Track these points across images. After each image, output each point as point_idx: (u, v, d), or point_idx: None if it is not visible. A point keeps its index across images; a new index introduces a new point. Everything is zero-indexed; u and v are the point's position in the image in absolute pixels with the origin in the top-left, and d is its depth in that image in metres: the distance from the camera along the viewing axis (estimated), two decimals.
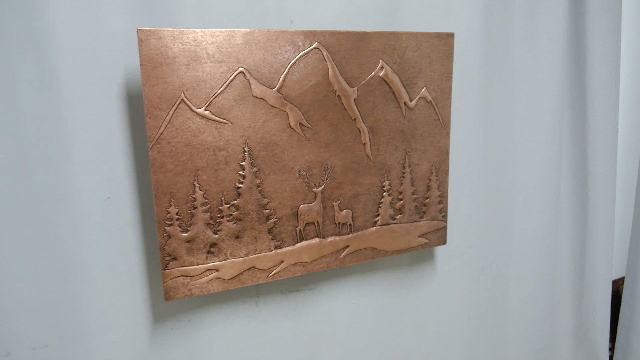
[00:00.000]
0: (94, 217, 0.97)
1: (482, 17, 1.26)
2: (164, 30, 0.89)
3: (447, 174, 1.22)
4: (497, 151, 1.36)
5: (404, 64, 1.11)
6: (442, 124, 1.19)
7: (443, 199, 1.24)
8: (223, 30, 0.93)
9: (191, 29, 0.91)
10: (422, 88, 1.15)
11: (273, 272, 1.06)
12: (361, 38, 1.05)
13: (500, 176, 1.38)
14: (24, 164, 0.90)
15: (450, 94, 1.18)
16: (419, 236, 1.23)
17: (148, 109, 0.90)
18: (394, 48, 1.09)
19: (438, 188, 1.22)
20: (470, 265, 1.41)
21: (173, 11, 0.97)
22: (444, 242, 1.27)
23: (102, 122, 0.95)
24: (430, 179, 1.21)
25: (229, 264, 1.02)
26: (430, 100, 1.16)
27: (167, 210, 0.95)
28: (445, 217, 1.25)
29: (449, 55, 1.16)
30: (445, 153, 1.21)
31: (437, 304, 1.38)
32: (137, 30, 0.87)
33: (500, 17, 1.29)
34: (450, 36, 1.15)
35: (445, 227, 1.26)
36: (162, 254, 0.95)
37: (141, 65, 0.88)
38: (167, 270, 0.96)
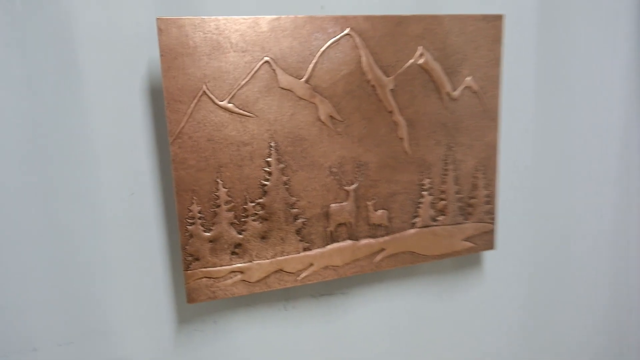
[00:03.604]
0: (118, 213, 0.94)
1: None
2: (184, 19, 0.84)
3: (495, 171, 1.11)
4: (553, 146, 1.23)
5: (446, 50, 1.01)
6: (490, 116, 1.07)
7: (491, 199, 1.12)
8: (247, 17, 0.87)
9: (213, 17, 0.85)
10: (467, 76, 1.04)
11: (302, 276, 1.00)
12: (398, 23, 0.96)
13: (557, 174, 1.25)
14: (47, 158, 0.89)
15: (498, 82, 1.07)
16: (464, 239, 1.12)
17: (168, 102, 0.85)
18: (434, 33, 0.99)
19: (485, 187, 1.11)
20: (522, 270, 1.28)
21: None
22: (492, 247, 1.15)
23: (125, 116, 0.92)
24: (476, 177, 1.10)
25: (254, 266, 0.96)
26: (476, 90, 1.05)
27: (189, 209, 0.90)
28: (493, 219, 1.13)
29: (497, 40, 1.04)
30: (493, 148, 1.10)
31: (484, 312, 1.27)
32: (157, 19, 0.82)
33: None
34: (498, 18, 1.03)
35: (493, 230, 1.14)
36: (184, 254, 0.91)
37: (161, 56, 0.84)
38: (189, 271, 0.92)
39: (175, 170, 0.88)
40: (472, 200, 1.10)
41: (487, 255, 1.24)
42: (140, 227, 0.96)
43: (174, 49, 0.84)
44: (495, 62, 1.05)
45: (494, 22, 1.03)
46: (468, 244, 1.12)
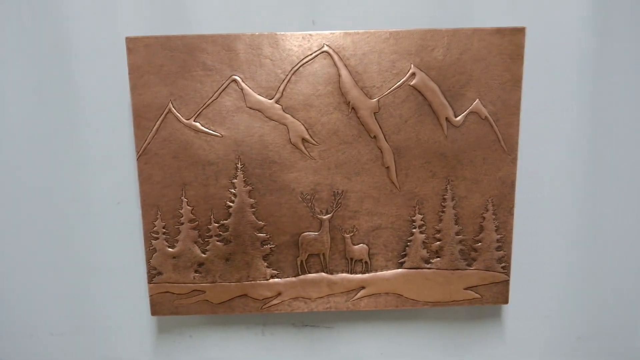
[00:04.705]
0: (106, 220, 1.00)
1: (581, 5, 0.92)
2: (151, 37, 0.85)
3: (511, 212, 0.93)
4: (589, 184, 0.98)
5: (445, 69, 0.87)
6: (505, 148, 0.90)
7: (504, 245, 0.94)
8: (215, 34, 0.85)
9: (180, 35, 0.85)
10: (474, 100, 0.89)
11: (269, 304, 0.95)
12: (385, 39, 0.86)
13: (598, 218, 1.00)
14: (45, 165, 0.97)
15: (518, 108, 0.89)
16: (466, 288, 0.96)
17: (135, 118, 0.87)
18: (431, 49, 0.86)
19: (497, 230, 0.94)
20: (557, 333, 1.06)
21: (187, 16, 0.93)
22: (505, 301, 0.97)
23: (115, 127, 0.96)
24: (484, 218, 0.93)
25: (217, 288, 0.94)
26: (485, 116, 0.89)
27: (153, 223, 0.91)
28: (507, 268, 0.95)
29: (516, 57, 0.87)
30: (510, 185, 0.92)
31: None
32: (126, 38, 0.85)
33: (603, 3, 0.92)
34: (518, 32, 0.86)
35: (507, 282, 0.96)
36: (148, 267, 0.93)
37: (129, 74, 0.86)
38: (152, 284, 0.93)
39: (141, 184, 0.90)
40: (478, 245, 0.94)
41: (509, 308, 1.05)
42: (126, 235, 1.00)
43: (141, 67, 0.86)
44: (513, 83, 0.88)
45: (512, 37, 0.86)
46: (471, 294, 0.96)
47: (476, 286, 0.96)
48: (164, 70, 0.86)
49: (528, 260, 1.01)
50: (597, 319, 1.05)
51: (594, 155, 0.97)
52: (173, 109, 0.87)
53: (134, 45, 0.85)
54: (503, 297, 0.97)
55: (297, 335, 1.05)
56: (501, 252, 0.95)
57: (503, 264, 0.95)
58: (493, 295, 0.96)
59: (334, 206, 0.92)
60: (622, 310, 1.05)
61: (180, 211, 0.91)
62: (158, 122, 0.88)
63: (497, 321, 1.06)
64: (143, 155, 0.89)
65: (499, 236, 0.94)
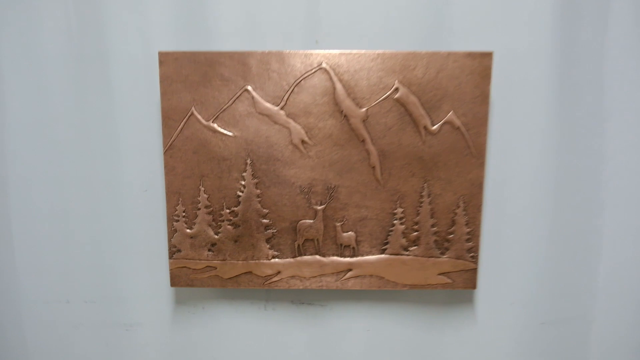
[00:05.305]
0: (135, 204, 1.17)
1: (544, 32, 1.07)
2: (179, 52, 1.03)
3: (479, 209, 1.08)
4: (550, 184, 1.13)
5: (424, 85, 1.03)
6: (475, 153, 1.06)
7: (473, 237, 1.09)
8: (232, 51, 1.03)
9: (203, 50, 1.03)
10: (449, 112, 1.04)
11: (270, 281, 1.11)
12: (373, 58, 1.02)
13: (557, 215, 1.15)
14: (82, 155, 1.15)
15: (486, 119, 1.04)
16: (440, 274, 1.11)
17: (163, 119, 1.05)
18: (412, 69, 1.02)
19: (467, 224, 1.09)
20: (523, 318, 1.20)
21: (209, 32, 1.10)
22: (473, 286, 1.12)
23: (144, 124, 1.13)
24: (456, 213, 1.09)
25: (227, 265, 1.11)
26: (458, 126, 1.05)
27: (175, 208, 1.09)
28: (475, 257, 1.10)
29: (485, 76, 1.03)
30: (478, 186, 1.07)
31: (476, 355, 1.22)
32: (158, 52, 1.02)
33: (564, 32, 1.07)
34: (486, 56, 1.02)
35: (475, 270, 1.11)
36: (169, 245, 1.10)
37: (160, 82, 1.04)
38: (172, 260, 1.11)
39: (166, 175, 1.07)
40: (450, 236, 1.09)
41: (481, 293, 1.19)
42: (151, 217, 1.18)
43: (170, 76, 1.03)
44: (482, 99, 1.04)
45: (482, 59, 1.02)
46: (444, 279, 1.11)
47: (448, 272, 1.11)
48: (189, 80, 1.03)
49: (494, 252, 1.16)
50: (557, 307, 1.19)
51: (554, 159, 1.12)
52: (195, 112, 1.05)
53: (165, 58, 1.03)
54: (472, 283, 1.12)
55: (295, 311, 1.21)
56: (470, 243, 1.10)
57: (472, 254, 1.10)
58: (463, 281, 1.11)
59: (327, 199, 1.08)
60: (580, 299, 1.19)
61: (198, 198, 1.08)
62: (182, 123, 1.05)
63: (469, 305, 1.20)
64: (169, 150, 1.06)
65: (468, 229, 1.09)
